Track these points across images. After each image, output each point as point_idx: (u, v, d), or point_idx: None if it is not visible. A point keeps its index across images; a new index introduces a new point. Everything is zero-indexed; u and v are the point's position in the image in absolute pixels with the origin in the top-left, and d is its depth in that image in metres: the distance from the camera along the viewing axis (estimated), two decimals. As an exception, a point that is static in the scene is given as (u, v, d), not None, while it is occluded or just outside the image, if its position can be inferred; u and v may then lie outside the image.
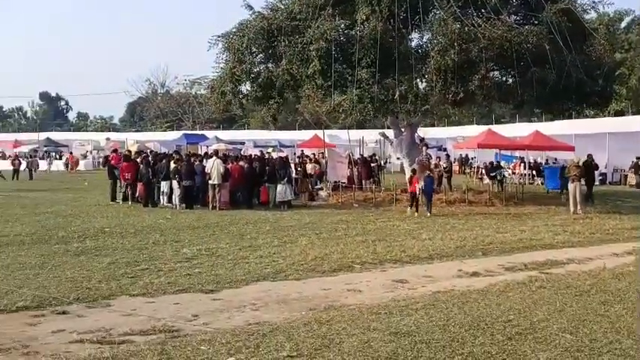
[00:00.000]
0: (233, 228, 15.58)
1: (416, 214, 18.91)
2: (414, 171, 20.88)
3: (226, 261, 11.03)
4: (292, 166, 25.84)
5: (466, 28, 20.20)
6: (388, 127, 34.60)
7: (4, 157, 60.04)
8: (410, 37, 23.36)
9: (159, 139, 62.73)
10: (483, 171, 33.32)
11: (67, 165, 50.29)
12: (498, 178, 28.77)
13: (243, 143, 57.11)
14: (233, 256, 11.47)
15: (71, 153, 53.66)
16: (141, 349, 6.03)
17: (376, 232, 15.15)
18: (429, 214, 18.84)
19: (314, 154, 38.88)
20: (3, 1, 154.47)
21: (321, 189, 25.10)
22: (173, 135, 63.54)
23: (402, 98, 20.97)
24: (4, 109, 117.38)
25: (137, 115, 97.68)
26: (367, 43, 20.70)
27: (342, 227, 15.93)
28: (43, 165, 47.91)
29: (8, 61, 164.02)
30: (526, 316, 7.15)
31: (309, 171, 25.58)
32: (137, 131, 79.70)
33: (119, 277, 9.53)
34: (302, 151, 40.93)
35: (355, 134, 36.83)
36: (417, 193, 19.60)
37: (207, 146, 52.90)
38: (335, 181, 25.23)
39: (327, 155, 27.56)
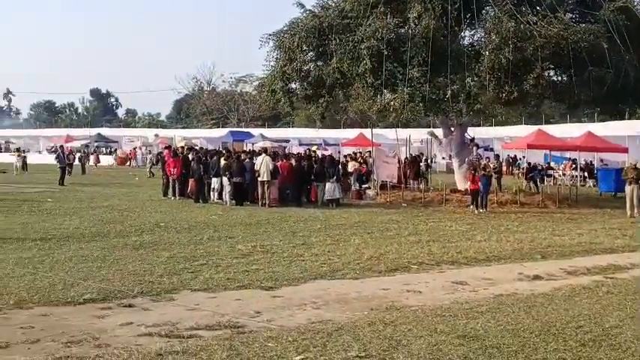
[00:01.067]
0: (284, 225, 15.64)
1: (480, 210, 19.63)
2: (475, 169, 21.05)
3: (282, 258, 11.06)
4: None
5: (521, 26, 19.84)
6: (434, 126, 34.34)
7: (55, 152, 61.79)
8: (462, 35, 23.09)
9: (205, 135, 63.48)
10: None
11: (129, 159, 51.53)
12: (536, 179, 28.41)
13: (287, 141, 57.36)
14: (288, 254, 11.49)
15: (136, 149, 54.86)
16: (209, 344, 6.08)
17: (429, 232, 15.00)
18: (482, 210, 19.56)
19: (354, 152, 38.80)
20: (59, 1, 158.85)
21: (369, 188, 25.00)
22: (219, 132, 64.17)
23: (454, 97, 20.74)
24: (56, 105, 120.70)
25: (183, 112, 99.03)
26: (419, 42, 20.53)
27: (394, 227, 15.82)
28: (103, 160, 49.24)
29: (61, 59, 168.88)
30: (597, 322, 6.95)
31: (349, 169, 25.50)
32: (183, 128, 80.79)
33: (179, 272, 9.65)
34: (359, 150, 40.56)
35: (401, 133, 36.60)
36: (479, 190, 20.03)
37: (253, 144, 53.28)
38: (382, 181, 25.08)
39: (374, 154, 27.43)
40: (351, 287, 9.01)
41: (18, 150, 44.62)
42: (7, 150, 52.02)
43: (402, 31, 21.67)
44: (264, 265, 10.42)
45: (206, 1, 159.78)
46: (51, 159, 53.66)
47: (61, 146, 40.34)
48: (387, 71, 20.55)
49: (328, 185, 20.86)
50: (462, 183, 23.84)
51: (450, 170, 32.88)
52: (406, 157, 29.27)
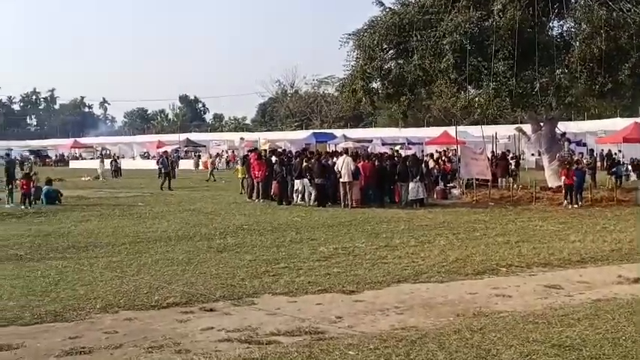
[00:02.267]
0: (367, 226, 15.40)
1: (575, 205, 19.25)
2: (569, 164, 20.33)
3: (364, 261, 10.84)
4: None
5: (613, 14, 18.76)
6: (522, 122, 33.06)
7: (148, 157, 64.32)
8: (550, 25, 22.08)
9: (289, 138, 64.22)
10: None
11: (227, 162, 52.94)
12: (618, 174, 26.64)
13: (370, 141, 57.05)
14: (370, 256, 11.26)
15: (233, 152, 56.28)
16: (289, 351, 5.94)
17: (518, 232, 14.34)
18: (575, 206, 19.12)
19: (438, 151, 37.98)
20: (152, 11, 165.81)
21: (454, 187, 24.35)
22: (302, 134, 64.72)
23: (543, 91, 19.85)
24: (148, 112, 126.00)
25: (268, 115, 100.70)
26: (504, 34, 19.80)
27: (480, 227, 15.25)
28: (183, 164, 50.73)
29: (152, 68, 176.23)
30: None
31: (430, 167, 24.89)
32: (268, 131, 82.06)
33: (261, 275, 9.62)
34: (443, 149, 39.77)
35: (487, 130, 35.51)
36: (573, 185, 19.53)
37: (336, 144, 53.32)
38: (469, 179, 24.34)
39: (459, 152, 26.70)
40: (436, 291, 8.67)
41: (102, 156, 46.62)
42: (104, 156, 54.58)
43: (486, 24, 20.95)
44: (346, 267, 10.23)
45: (288, 6, 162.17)
46: (144, 164, 56.11)
47: (165, 151, 42.01)
48: (471, 66, 19.93)
49: (411, 185, 20.42)
50: (552, 180, 22.79)
51: (539, 167, 31.60)
52: (493, 155, 28.32)
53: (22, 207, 19.93)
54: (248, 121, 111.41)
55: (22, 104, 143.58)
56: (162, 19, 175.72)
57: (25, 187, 20.65)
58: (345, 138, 55.48)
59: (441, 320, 7.12)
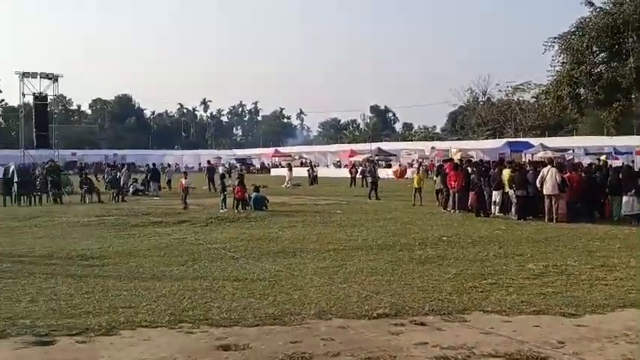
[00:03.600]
0: (578, 243, 14.32)
1: None
2: None
3: (580, 281, 10.05)
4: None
5: None
6: None
7: (340, 166, 66.47)
8: None
9: (480, 147, 62.51)
10: None
11: (427, 171, 53.27)
12: None
13: (571, 150, 53.60)
14: (587, 276, 10.42)
15: (431, 161, 56.49)
16: (511, 374, 5.65)
17: None
18: None
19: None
20: (356, 29, 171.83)
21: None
22: (495, 143, 62.61)
23: None
24: (341, 122, 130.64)
25: (458, 124, 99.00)
26: None
27: None
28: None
29: (343, 81, 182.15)
30: None
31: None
32: (458, 140, 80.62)
33: (469, 291, 9.35)
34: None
35: None
36: None
37: (532, 154, 50.80)
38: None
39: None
40: (670, 320, 7.75)
41: (289, 165, 48.93)
42: (302, 165, 57.47)
43: None
44: (561, 287, 9.56)
45: (479, 13, 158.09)
46: (337, 172, 58.10)
47: (372, 161, 43.29)
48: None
49: (625, 199, 18.66)
50: None
51: None
52: None
53: (235, 211, 21.65)
54: (438, 130, 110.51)
55: (229, 116, 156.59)
56: (362, 35, 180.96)
57: (239, 193, 22.46)
58: (543, 147, 52.61)
59: (682, 355, 6.34)
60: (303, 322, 7.70)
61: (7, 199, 27.50)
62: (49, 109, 49.48)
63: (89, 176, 33.71)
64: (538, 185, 19.16)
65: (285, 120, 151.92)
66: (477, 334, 7.17)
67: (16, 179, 28.60)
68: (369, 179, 32.36)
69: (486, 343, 6.75)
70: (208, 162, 47.34)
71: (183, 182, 25.21)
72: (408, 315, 7.98)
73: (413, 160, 61.66)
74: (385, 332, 7.25)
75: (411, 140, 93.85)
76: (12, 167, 29.53)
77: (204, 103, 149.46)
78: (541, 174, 19.68)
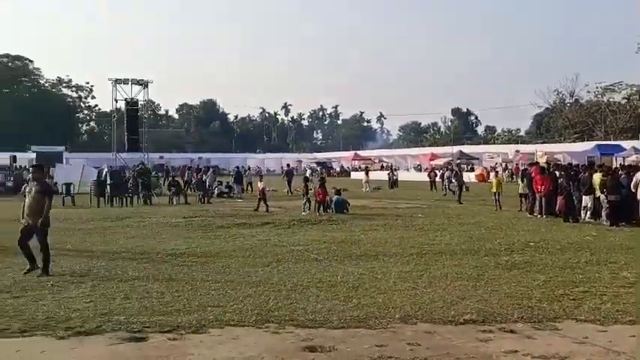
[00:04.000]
0: (676, 252, 13.56)
1: None
2: None
3: (681, 292, 9.52)
4: None
5: None
6: None
7: (420, 170, 65.73)
8: None
9: (567, 150, 60.29)
10: None
11: (511, 175, 51.95)
12: None
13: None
14: (688, 287, 9.85)
15: (517, 165, 55.17)
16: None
17: None
18: None
19: None
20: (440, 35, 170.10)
21: None
22: (583, 146, 60.21)
23: None
24: (421, 126, 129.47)
25: (543, 127, 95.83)
26: None
27: None
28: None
29: (426, 81, 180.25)
30: None
31: None
32: (543, 142, 77.98)
33: (559, 298, 9.02)
34: None
35: None
36: None
37: (624, 157, 48.55)
38: None
39: None
40: None
41: (366, 169, 48.77)
42: (383, 168, 57.27)
43: None
44: (659, 297, 9.09)
45: (566, 11, 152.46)
46: (417, 176, 57.46)
47: (458, 164, 42.74)
48: None
49: None
50: None
51: None
52: None
53: (317, 214, 21.89)
54: (522, 133, 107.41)
55: (309, 120, 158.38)
56: (446, 38, 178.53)
57: (320, 195, 22.70)
58: (636, 150, 50.04)
59: None
60: (388, 325, 7.66)
61: (101, 201, 28.85)
62: (139, 113, 51.65)
63: (176, 179, 34.94)
64: (633, 189, 18.27)
65: (365, 123, 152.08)
66: (570, 343, 6.91)
67: (108, 181, 30.10)
68: (455, 183, 31.78)
69: (580, 353, 6.50)
70: (288, 165, 48.07)
71: (260, 185, 25.68)
72: (496, 322, 7.79)
73: (496, 163, 60.13)
74: (473, 339, 7.10)
75: (494, 143, 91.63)
76: (105, 170, 31.04)
77: (286, 107, 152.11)
78: (635, 178, 18.76)
